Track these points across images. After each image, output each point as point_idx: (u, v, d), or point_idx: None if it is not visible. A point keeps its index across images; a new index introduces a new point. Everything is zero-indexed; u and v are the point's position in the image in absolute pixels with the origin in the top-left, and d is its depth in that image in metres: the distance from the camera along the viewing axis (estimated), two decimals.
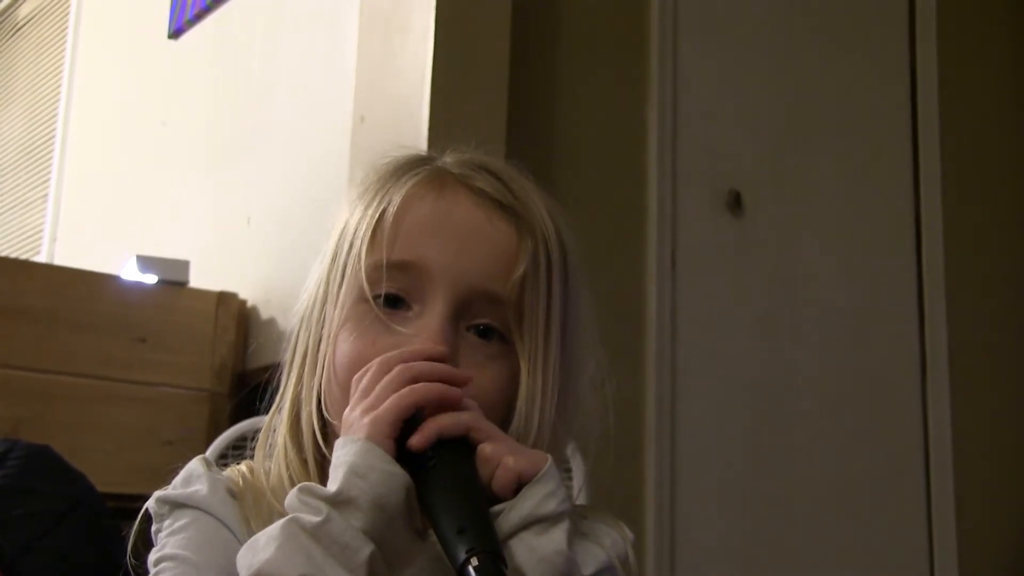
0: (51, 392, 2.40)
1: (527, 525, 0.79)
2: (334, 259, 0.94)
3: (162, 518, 0.90)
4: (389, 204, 0.91)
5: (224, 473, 0.93)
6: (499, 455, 0.80)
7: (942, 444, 2.80)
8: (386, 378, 0.82)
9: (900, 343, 2.84)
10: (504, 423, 0.90)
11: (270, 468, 0.93)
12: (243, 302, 2.68)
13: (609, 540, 0.91)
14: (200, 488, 0.90)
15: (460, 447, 0.80)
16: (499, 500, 0.80)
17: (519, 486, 0.80)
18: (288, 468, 0.91)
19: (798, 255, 2.75)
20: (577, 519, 0.90)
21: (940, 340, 2.85)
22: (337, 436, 0.92)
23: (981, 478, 2.86)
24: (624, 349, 2.42)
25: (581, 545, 0.88)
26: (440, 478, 0.78)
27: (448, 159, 0.96)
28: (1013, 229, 3.12)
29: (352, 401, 0.83)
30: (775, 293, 2.70)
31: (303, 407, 0.93)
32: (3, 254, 4.22)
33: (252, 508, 0.89)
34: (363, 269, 0.90)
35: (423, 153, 0.98)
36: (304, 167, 2.68)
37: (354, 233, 0.93)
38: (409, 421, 0.81)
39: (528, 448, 0.84)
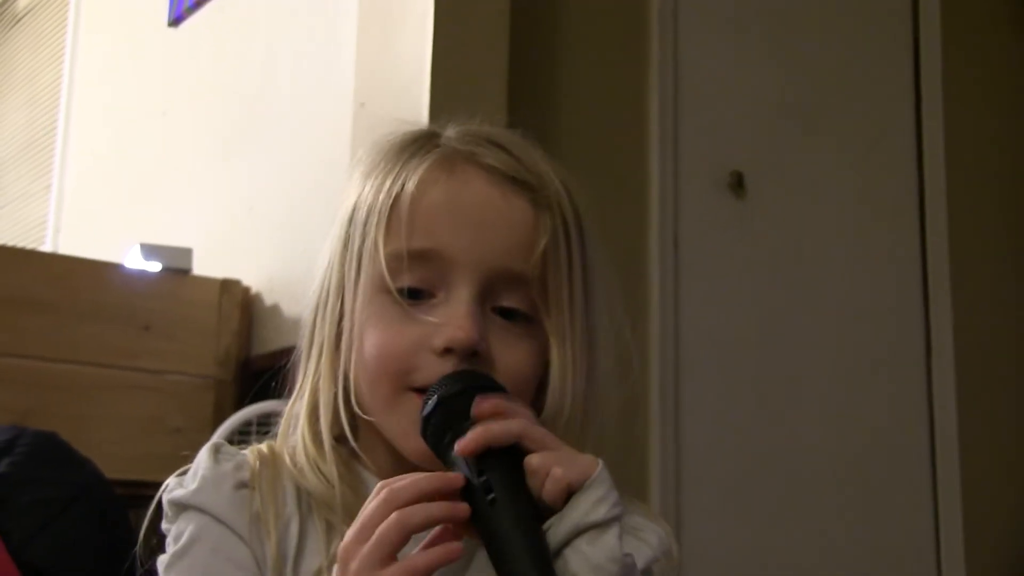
0: (57, 381, 2.41)
1: (578, 533, 0.77)
2: (346, 245, 0.93)
3: (169, 519, 0.90)
4: (402, 190, 0.90)
5: (242, 454, 0.92)
6: (547, 465, 0.78)
7: (947, 427, 2.79)
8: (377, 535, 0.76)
9: (904, 324, 2.84)
10: (534, 400, 0.90)
11: (294, 447, 0.92)
12: (246, 289, 2.68)
13: (656, 538, 0.92)
14: (204, 487, 0.89)
15: (509, 458, 0.79)
16: (552, 511, 0.78)
17: (570, 495, 0.78)
18: (307, 456, 0.91)
19: (801, 236, 2.75)
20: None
21: (944, 322, 2.84)
22: (368, 429, 0.91)
23: (986, 464, 2.85)
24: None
25: (628, 543, 0.87)
26: (497, 516, 0.77)
27: (451, 133, 0.95)
28: (1017, 210, 3.11)
29: (349, 534, 0.78)
30: (778, 274, 2.70)
31: (321, 397, 0.92)
32: (8, 245, 4.22)
33: (267, 493, 0.89)
34: (383, 261, 0.88)
35: (426, 129, 0.97)
36: (305, 154, 2.68)
37: (366, 219, 0.91)
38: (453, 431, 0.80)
39: (576, 452, 0.81)
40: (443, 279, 0.88)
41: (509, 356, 0.88)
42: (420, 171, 0.91)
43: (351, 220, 0.93)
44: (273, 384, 1.00)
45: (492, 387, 0.84)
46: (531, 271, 0.89)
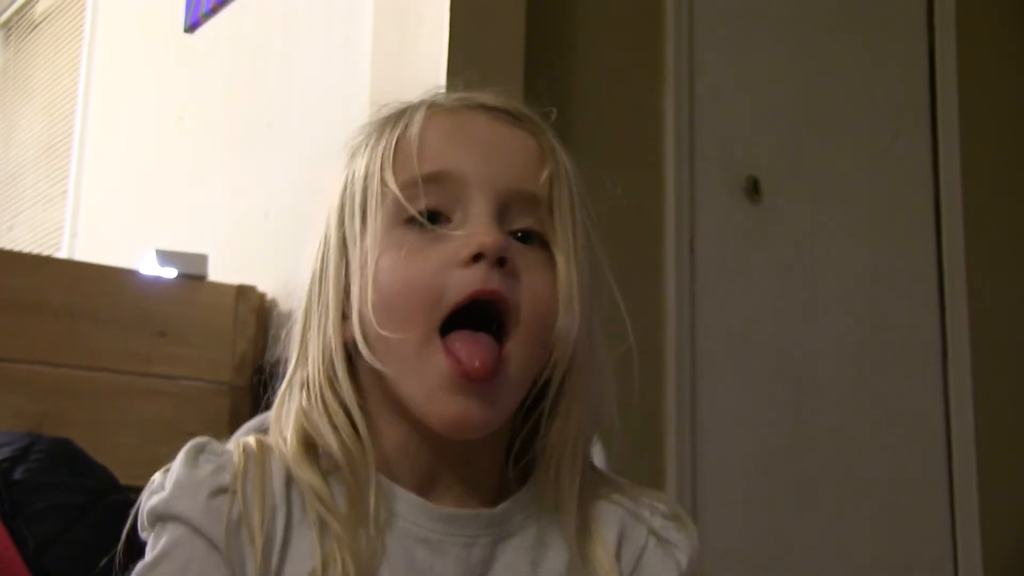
0: (73, 387, 2.41)
1: None
2: (342, 210, 0.92)
3: (145, 527, 0.87)
4: (404, 131, 0.90)
5: (226, 453, 0.88)
6: None
7: (964, 428, 2.79)
8: None
9: (920, 326, 2.83)
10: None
11: (287, 437, 0.89)
12: (262, 295, 2.68)
13: (686, 558, 0.94)
14: (178, 495, 0.85)
15: None
16: None
17: None
18: (321, 422, 0.88)
19: (817, 241, 2.74)
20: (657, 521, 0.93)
21: (961, 323, 2.84)
22: (381, 401, 0.88)
23: (1003, 463, 2.85)
24: (643, 335, 2.41)
25: (659, 557, 0.91)
26: None
27: (439, 99, 0.96)
28: None
29: None
30: (794, 279, 2.69)
31: (336, 356, 0.89)
32: (24, 250, 4.23)
33: (252, 494, 0.84)
34: (397, 191, 0.87)
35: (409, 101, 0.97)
36: (322, 159, 2.68)
37: (366, 174, 0.91)
38: None
39: None
40: (458, 200, 0.88)
41: (534, 276, 0.87)
42: (419, 116, 0.91)
43: (345, 189, 0.93)
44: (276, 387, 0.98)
45: None
46: (542, 192, 0.90)
